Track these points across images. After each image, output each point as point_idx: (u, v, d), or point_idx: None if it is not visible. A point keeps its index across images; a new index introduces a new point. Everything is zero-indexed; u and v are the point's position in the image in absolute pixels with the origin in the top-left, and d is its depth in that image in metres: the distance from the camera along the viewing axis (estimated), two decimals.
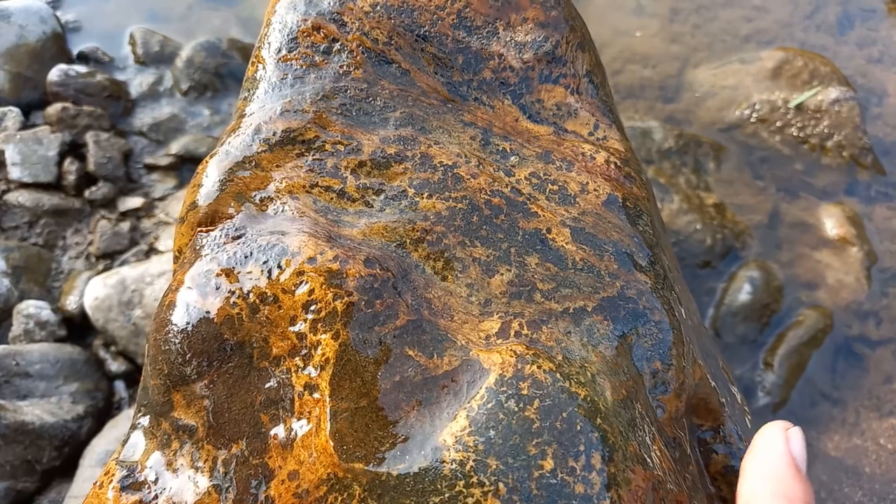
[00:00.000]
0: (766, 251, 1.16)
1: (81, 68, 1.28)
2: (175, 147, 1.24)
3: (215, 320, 0.51)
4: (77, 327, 1.02)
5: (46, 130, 1.17)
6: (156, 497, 0.51)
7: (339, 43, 0.60)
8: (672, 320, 0.55)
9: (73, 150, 1.20)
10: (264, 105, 0.60)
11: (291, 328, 0.50)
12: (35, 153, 1.15)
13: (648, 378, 0.53)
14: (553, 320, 0.52)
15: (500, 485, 0.43)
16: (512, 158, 0.59)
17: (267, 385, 0.50)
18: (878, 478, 1.01)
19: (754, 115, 1.29)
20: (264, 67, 0.61)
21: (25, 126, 1.21)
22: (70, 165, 1.16)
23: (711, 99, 1.35)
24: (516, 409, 0.46)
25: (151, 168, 1.22)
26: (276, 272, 0.52)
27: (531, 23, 0.61)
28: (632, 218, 0.58)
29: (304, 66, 0.60)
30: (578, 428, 0.45)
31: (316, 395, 0.49)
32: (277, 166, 0.57)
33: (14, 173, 1.13)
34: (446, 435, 0.46)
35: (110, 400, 0.98)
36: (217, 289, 0.52)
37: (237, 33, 1.43)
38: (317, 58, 0.60)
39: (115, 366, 0.98)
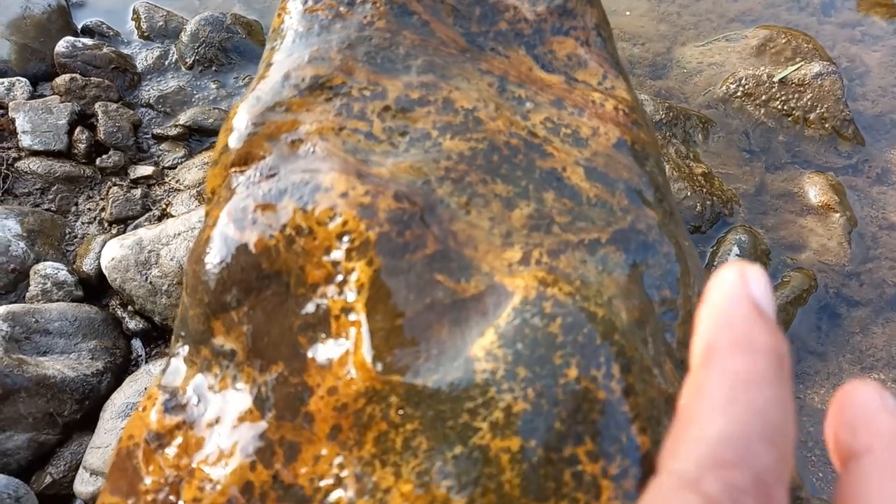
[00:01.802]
0: (752, 218, 1.22)
1: (88, 41, 1.30)
2: (183, 118, 1.26)
3: (253, 251, 0.55)
4: (93, 288, 1.05)
5: (56, 100, 1.19)
6: (198, 417, 0.54)
7: None
8: (679, 253, 0.59)
9: (83, 119, 1.22)
10: (292, 53, 0.63)
11: (326, 257, 0.54)
12: (45, 122, 1.17)
13: (658, 305, 0.57)
14: (570, 250, 0.56)
15: (529, 390, 0.47)
16: (527, 104, 0.62)
17: (304, 310, 0.54)
18: None
19: (740, 89, 1.34)
20: (291, 18, 0.64)
21: (34, 96, 1.23)
22: (80, 134, 1.18)
23: (699, 75, 1.40)
24: (541, 325, 0.50)
25: (160, 138, 1.25)
26: (310, 206, 0.55)
27: None
28: (639, 160, 0.62)
29: (329, 17, 0.63)
30: (598, 342, 0.50)
31: (352, 317, 0.52)
32: (307, 110, 0.61)
33: (25, 141, 1.15)
34: (476, 349, 0.50)
35: (128, 357, 1.01)
36: (254, 222, 0.55)
37: (240, 9, 1.46)
38: (341, 9, 0.63)
39: (133, 324, 1.01)
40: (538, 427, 0.47)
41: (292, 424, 0.52)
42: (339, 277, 0.54)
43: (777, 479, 0.26)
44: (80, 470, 0.90)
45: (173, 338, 0.61)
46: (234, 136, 0.60)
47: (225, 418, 0.53)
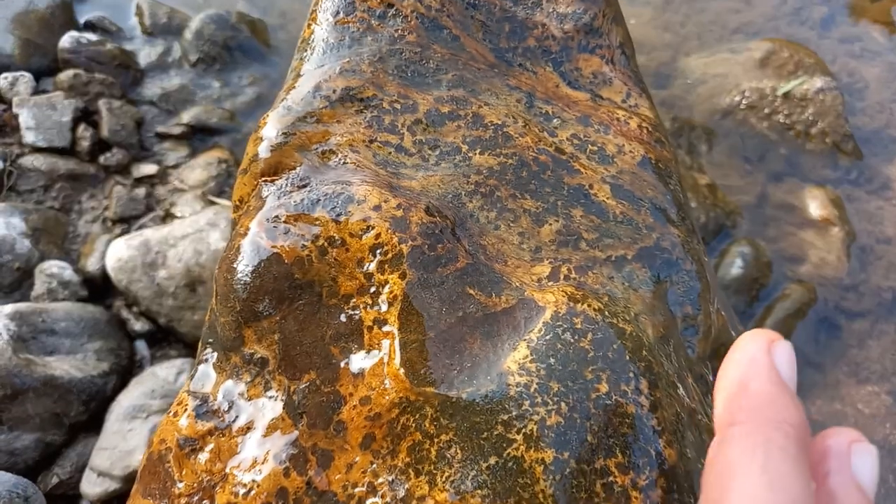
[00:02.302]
0: (754, 230, 1.23)
1: (92, 36, 1.29)
2: (186, 117, 1.26)
3: (286, 261, 0.55)
4: (97, 288, 1.05)
5: (60, 96, 1.18)
6: (230, 424, 0.54)
7: (395, 8, 0.64)
8: (700, 270, 0.60)
9: (86, 116, 1.21)
10: (322, 64, 0.63)
11: (359, 269, 0.55)
12: (49, 118, 1.16)
13: (680, 321, 0.59)
14: (597, 266, 0.57)
15: (563, 404, 0.48)
16: (554, 121, 0.63)
17: (336, 320, 0.54)
18: None
19: (744, 101, 1.36)
20: (321, 29, 0.65)
21: (37, 92, 1.22)
22: (84, 132, 1.18)
23: (703, 86, 1.41)
24: (572, 340, 0.51)
25: (163, 136, 1.24)
26: (343, 217, 0.55)
27: None
28: (663, 178, 0.63)
29: (361, 29, 0.64)
30: (627, 358, 0.51)
31: (386, 329, 0.53)
32: (338, 121, 0.61)
33: (28, 137, 1.14)
34: (510, 362, 0.50)
35: (132, 359, 1.01)
36: (286, 232, 0.56)
37: (243, 7, 1.45)
38: (373, 21, 0.64)
39: (138, 325, 1.01)
40: (571, 440, 0.48)
41: (325, 433, 0.52)
42: (372, 289, 0.54)
43: None
44: (87, 471, 0.90)
45: (200, 344, 0.61)
46: (265, 145, 0.61)
47: (257, 425, 0.54)
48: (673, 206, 0.61)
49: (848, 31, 1.52)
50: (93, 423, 0.94)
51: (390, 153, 0.60)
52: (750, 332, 0.34)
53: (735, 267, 1.14)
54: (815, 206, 1.25)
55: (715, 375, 0.64)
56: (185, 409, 0.55)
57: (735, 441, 0.30)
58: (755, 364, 0.32)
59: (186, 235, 1.01)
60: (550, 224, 0.58)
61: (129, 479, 0.88)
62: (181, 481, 0.53)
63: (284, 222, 0.56)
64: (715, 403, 0.33)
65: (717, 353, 0.63)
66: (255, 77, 1.37)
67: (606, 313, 0.53)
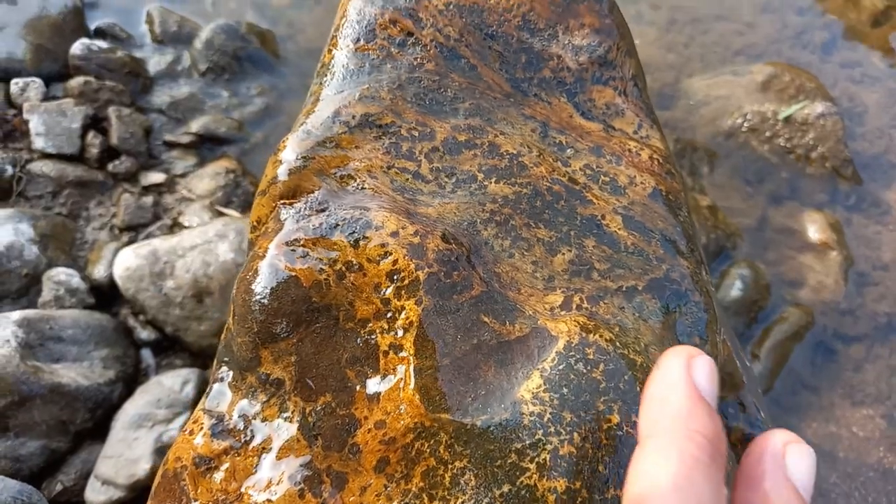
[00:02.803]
0: (754, 252, 1.25)
1: (103, 44, 1.30)
2: (195, 126, 1.27)
3: (304, 284, 0.56)
4: (104, 295, 1.05)
5: (70, 103, 1.19)
6: (245, 443, 0.55)
7: (414, 37, 0.65)
8: (708, 301, 0.61)
9: (95, 123, 1.22)
10: (342, 90, 0.64)
11: (376, 294, 0.56)
12: (59, 124, 1.17)
13: None
14: (609, 296, 0.58)
15: (575, 434, 0.50)
16: (568, 151, 0.65)
17: (353, 344, 0.56)
18: (850, 462, 1.10)
19: (745, 124, 1.38)
20: (341, 54, 0.66)
21: (47, 97, 1.22)
22: (93, 139, 1.18)
23: (705, 107, 1.43)
24: (585, 370, 0.52)
25: (172, 145, 1.25)
26: (361, 242, 0.57)
27: (587, 28, 0.67)
28: (673, 209, 0.64)
29: (380, 57, 0.65)
30: (638, 389, 0.52)
31: (402, 354, 0.54)
32: (356, 147, 0.62)
33: (38, 143, 1.15)
34: (523, 391, 0.52)
35: (138, 367, 1.01)
36: (304, 256, 0.57)
37: (253, 17, 1.47)
38: (393, 49, 0.65)
39: (145, 334, 1.02)
40: (583, 469, 0.49)
41: (339, 455, 0.53)
42: (389, 314, 0.55)
43: None
44: (92, 479, 0.91)
45: (215, 362, 0.62)
46: (284, 168, 0.62)
47: (272, 445, 0.55)
48: (682, 237, 0.63)
49: (848, 56, 1.54)
50: (98, 431, 0.95)
51: (408, 179, 0.61)
52: (672, 348, 0.36)
53: (735, 289, 1.16)
54: (815, 229, 1.26)
55: (719, 404, 0.65)
56: (201, 428, 0.56)
57: (650, 451, 0.31)
58: (674, 379, 0.34)
59: (195, 246, 1.02)
60: (563, 254, 0.60)
61: (133, 488, 0.88)
62: (196, 500, 0.54)
63: (303, 246, 0.57)
64: (639, 416, 0.34)
65: (722, 383, 0.65)
66: (264, 87, 1.38)
67: (618, 344, 0.54)
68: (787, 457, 0.33)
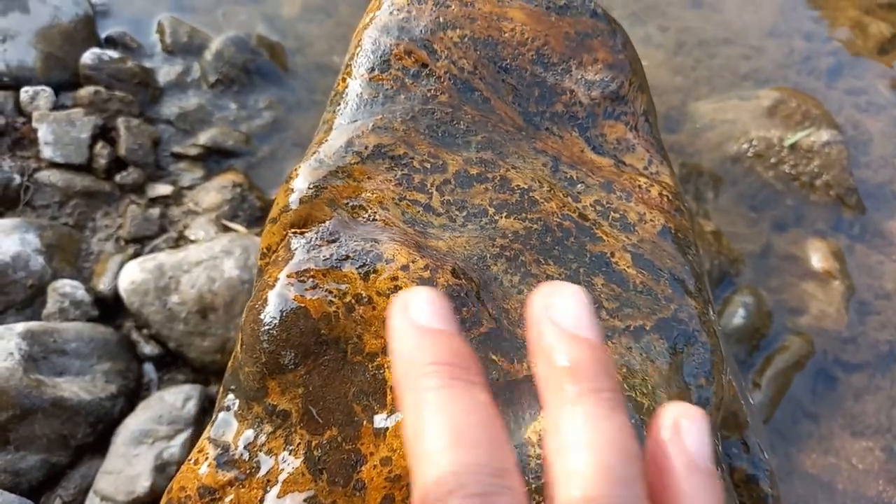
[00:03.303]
0: (757, 279, 1.25)
1: (114, 53, 1.30)
2: (203, 138, 1.27)
3: (313, 316, 0.56)
4: (108, 308, 1.05)
5: (80, 113, 1.19)
6: (250, 475, 0.55)
7: (428, 68, 0.66)
8: (714, 343, 0.62)
9: (104, 133, 1.22)
10: (356, 119, 0.65)
11: (385, 328, 0.56)
12: (68, 134, 1.17)
13: (694, 392, 0.60)
14: (617, 336, 0.58)
15: None
16: (579, 186, 0.65)
17: (360, 378, 0.56)
18: (849, 494, 1.10)
19: (751, 150, 1.38)
20: (355, 83, 0.66)
21: (56, 107, 1.23)
22: (101, 149, 1.18)
23: (711, 131, 1.44)
24: None
25: (179, 157, 1.25)
26: (371, 275, 0.57)
27: (600, 63, 0.68)
28: (682, 248, 0.65)
29: (394, 87, 0.65)
30: (645, 432, 0.52)
31: None
32: (368, 178, 0.62)
33: (46, 153, 1.15)
34: (530, 433, 0.52)
35: (140, 381, 1.01)
36: (314, 287, 0.57)
37: (263, 30, 1.47)
38: (407, 80, 0.65)
39: (148, 349, 1.02)
40: None
41: (344, 490, 0.53)
42: None
43: None
44: (91, 494, 0.91)
45: (221, 389, 0.62)
46: (295, 197, 0.62)
47: (277, 478, 0.55)
48: (691, 277, 0.63)
49: (854, 84, 1.55)
50: (98, 446, 0.95)
51: (419, 212, 0.62)
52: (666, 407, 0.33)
53: (738, 317, 1.16)
54: (818, 258, 1.27)
55: (721, 444, 0.66)
56: (206, 458, 0.56)
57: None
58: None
59: (201, 262, 1.02)
60: None
61: None
62: None
63: (312, 277, 0.58)
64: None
65: (726, 422, 0.65)
66: (272, 101, 1.38)
67: (625, 386, 0.54)
68: (682, 428, 0.31)
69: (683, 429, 0.31)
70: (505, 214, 0.61)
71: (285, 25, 1.51)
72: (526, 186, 0.63)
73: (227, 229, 1.14)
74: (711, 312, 0.64)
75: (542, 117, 0.67)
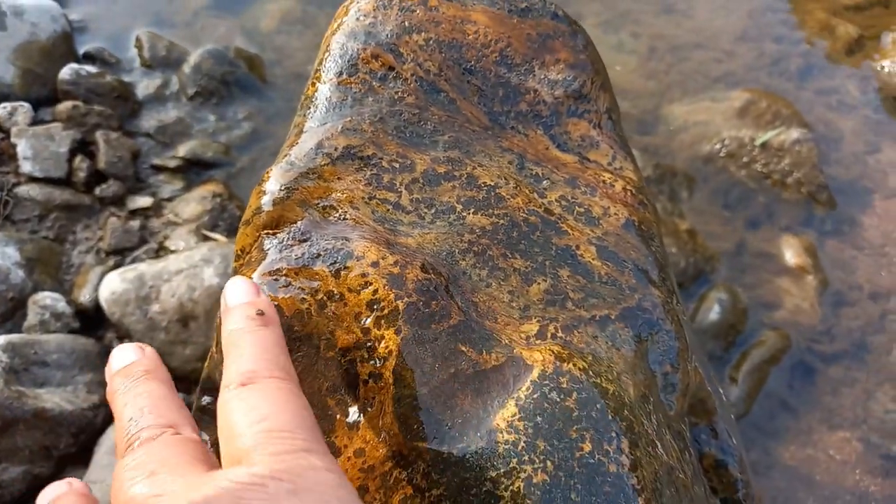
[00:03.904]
0: (732, 275, 1.27)
1: (92, 68, 1.31)
2: (182, 150, 1.28)
3: (286, 314, 0.57)
4: (89, 320, 1.06)
5: (58, 127, 1.20)
6: None
7: (395, 71, 0.67)
8: (679, 330, 0.63)
9: (83, 147, 1.23)
10: (325, 122, 0.66)
11: (356, 323, 0.57)
12: (47, 149, 1.18)
13: (660, 379, 0.62)
14: (583, 325, 0.60)
15: (548, 462, 0.51)
16: (544, 182, 0.67)
17: (333, 373, 0.57)
18: (827, 486, 1.12)
19: (723, 150, 1.41)
20: (325, 87, 0.68)
21: (35, 122, 1.24)
22: (80, 163, 1.19)
23: (684, 133, 1.46)
24: (558, 399, 0.53)
25: (159, 169, 1.26)
26: (342, 272, 0.58)
27: (563, 63, 0.70)
28: (645, 240, 0.66)
29: (362, 91, 0.67)
30: (610, 417, 0.53)
31: (381, 383, 0.55)
32: (338, 178, 0.64)
33: (25, 167, 1.16)
34: (499, 420, 0.53)
35: None
36: (287, 286, 0.58)
37: (242, 43, 1.49)
38: (374, 83, 0.67)
39: None
40: (556, 498, 0.50)
41: None
42: (368, 343, 0.57)
43: None
44: None
45: (198, 390, 0.63)
46: (267, 199, 0.63)
47: None
48: (654, 267, 0.65)
49: (824, 84, 1.58)
50: (81, 456, 0.95)
51: (388, 210, 0.63)
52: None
53: (713, 313, 1.18)
54: (791, 254, 1.29)
55: (691, 430, 0.67)
56: None
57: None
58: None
59: (181, 271, 1.03)
60: (539, 283, 0.61)
61: None
62: None
63: (285, 275, 0.59)
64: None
65: (694, 409, 0.66)
66: (251, 112, 1.39)
67: (591, 373, 0.55)
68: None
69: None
70: (472, 211, 0.63)
71: (264, 38, 1.53)
72: (492, 183, 0.64)
73: (207, 239, 1.15)
74: (676, 302, 0.65)
75: (508, 116, 0.69)
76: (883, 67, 1.60)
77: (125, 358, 0.51)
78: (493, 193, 0.64)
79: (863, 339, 1.23)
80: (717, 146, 1.41)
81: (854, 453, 1.15)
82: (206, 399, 0.60)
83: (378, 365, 0.56)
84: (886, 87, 1.59)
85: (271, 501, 0.33)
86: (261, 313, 0.49)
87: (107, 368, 0.51)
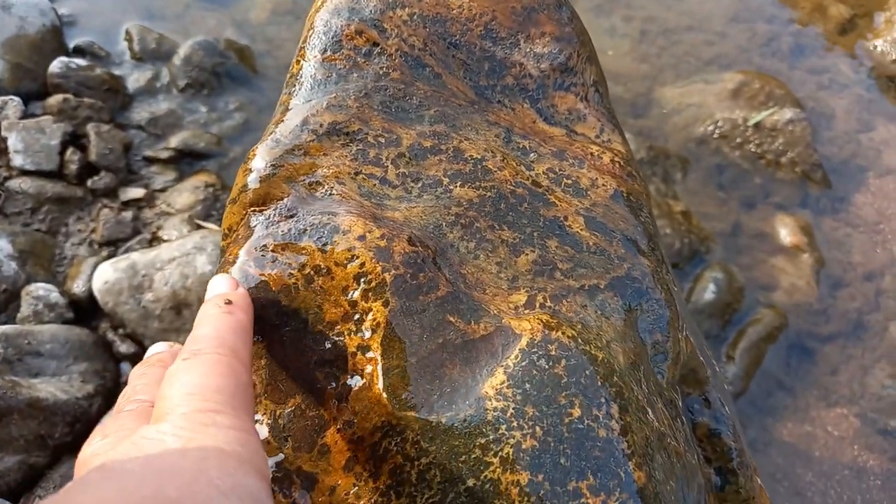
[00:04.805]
0: (727, 256, 1.27)
1: (81, 61, 1.31)
2: (174, 141, 1.28)
3: (273, 289, 0.57)
4: (83, 310, 1.06)
5: (49, 120, 1.20)
6: None
7: (380, 47, 0.67)
8: (669, 298, 0.63)
9: (74, 140, 1.23)
10: (310, 99, 0.66)
11: (344, 296, 0.57)
12: (38, 142, 1.18)
13: (650, 347, 0.61)
14: (571, 295, 0.60)
15: (537, 428, 0.51)
16: (531, 155, 0.66)
17: (321, 347, 0.57)
18: (825, 461, 1.12)
19: (717, 131, 1.40)
20: (309, 65, 0.67)
21: (26, 115, 1.23)
22: (72, 155, 1.19)
23: (678, 115, 1.46)
24: (547, 366, 0.53)
25: (151, 160, 1.26)
26: (329, 247, 0.58)
27: (548, 37, 0.69)
28: (634, 210, 0.66)
29: (347, 67, 0.67)
30: (599, 383, 0.53)
31: (369, 355, 0.55)
32: (324, 154, 0.64)
33: (17, 161, 1.16)
34: (487, 388, 0.53)
35: (117, 381, 1.02)
36: (274, 261, 0.58)
37: (232, 34, 1.48)
38: (359, 59, 0.67)
39: (124, 347, 1.02)
40: (545, 463, 0.50)
41: (309, 456, 0.54)
42: (356, 316, 0.57)
43: None
44: None
45: None
46: (253, 176, 0.63)
47: None
48: (643, 237, 0.64)
49: (817, 64, 1.58)
50: (77, 445, 0.95)
51: (375, 185, 0.63)
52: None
53: (709, 292, 1.18)
54: (786, 233, 1.29)
55: (683, 400, 0.67)
56: None
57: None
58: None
59: (173, 259, 1.03)
60: (527, 254, 0.61)
61: None
62: None
63: (272, 251, 0.59)
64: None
65: (686, 378, 0.66)
66: (242, 102, 1.39)
67: (580, 340, 0.55)
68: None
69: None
70: (459, 184, 0.63)
71: (254, 29, 1.53)
72: (479, 157, 0.64)
73: (200, 228, 1.15)
74: (666, 271, 0.65)
75: (494, 90, 0.69)
76: (876, 47, 1.60)
77: (152, 351, 0.56)
78: (479, 166, 0.64)
79: (859, 316, 1.23)
80: (711, 128, 1.41)
81: (852, 429, 1.14)
82: None
83: (366, 337, 0.56)
84: (879, 67, 1.58)
85: (164, 453, 0.36)
86: (228, 302, 0.52)
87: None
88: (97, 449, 0.41)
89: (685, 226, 1.26)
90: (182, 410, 0.40)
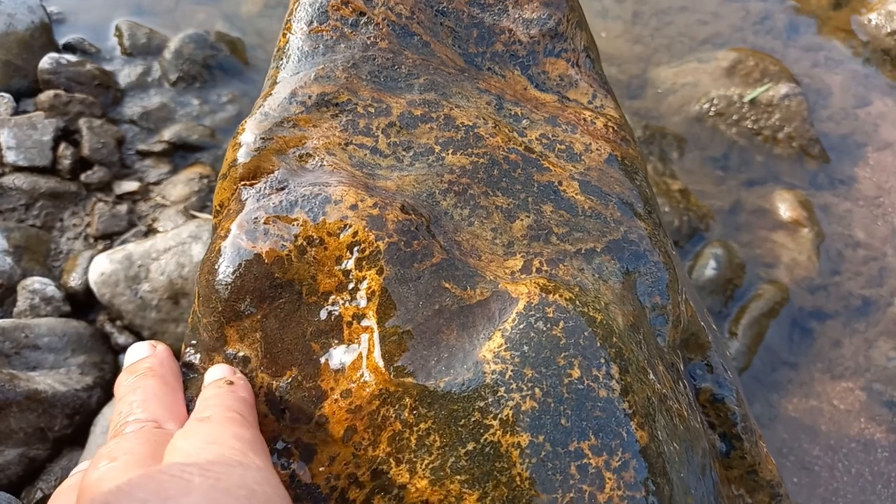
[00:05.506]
0: (727, 233, 1.26)
1: (72, 57, 1.30)
2: (167, 134, 1.27)
3: (266, 261, 0.56)
4: (80, 303, 1.05)
5: (41, 116, 1.20)
6: None
7: (366, 17, 0.66)
8: (667, 261, 0.62)
9: (67, 135, 1.22)
10: (298, 72, 0.65)
11: (338, 266, 0.56)
12: (30, 138, 1.17)
13: (650, 310, 0.61)
14: (568, 259, 0.59)
15: (537, 389, 0.50)
16: (523, 121, 0.66)
17: (316, 317, 0.56)
18: (832, 434, 1.11)
19: (713, 109, 1.40)
20: (296, 38, 0.67)
21: (17, 112, 1.23)
22: (65, 150, 1.19)
23: (673, 95, 1.45)
24: (545, 328, 0.53)
25: (145, 154, 1.25)
26: (321, 217, 0.57)
27: (536, 2, 0.69)
28: (629, 174, 0.65)
29: (334, 38, 0.66)
30: (598, 344, 0.52)
31: (364, 323, 0.54)
32: (314, 126, 0.63)
33: (9, 157, 1.15)
34: (485, 351, 0.52)
35: (116, 373, 1.01)
36: (266, 233, 0.57)
37: (223, 27, 1.48)
38: (346, 30, 0.66)
39: (122, 339, 1.01)
40: (545, 423, 0.49)
41: (307, 427, 0.54)
42: (351, 285, 0.56)
43: None
44: None
45: (183, 346, 0.62)
46: (243, 150, 0.62)
47: None
48: (639, 200, 0.64)
49: (812, 41, 1.57)
50: (77, 437, 0.95)
51: (366, 155, 0.62)
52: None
53: (709, 268, 1.17)
54: (785, 208, 1.28)
55: (686, 366, 0.66)
56: None
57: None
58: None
59: (169, 248, 1.02)
60: (522, 220, 0.60)
61: None
62: None
63: (264, 223, 0.58)
64: None
65: (687, 343, 0.65)
66: (235, 94, 1.38)
67: (577, 303, 0.54)
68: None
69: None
70: (451, 151, 0.62)
71: (245, 22, 1.52)
72: (471, 124, 0.63)
73: (195, 218, 1.14)
74: (663, 234, 0.64)
75: (483, 58, 0.68)
76: (870, 21, 1.59)
77: (135, 355, 0.56)
78: (471, 133, 0.63)
79: (861, 290, 1.22)
80: (706, 106, 1.40)
81: (858, 402, 1.14)
82: (189, 353, 0.59)
83: (361, 306, 0.55)
84: (874, 41, 1.57)
85: (191, 490, 0.37)
86: (230, 382, 0.54)
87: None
88: (104, 474, 0.39)
89: (684, 204, 1.25)
90: (206, 456, 0.40)
